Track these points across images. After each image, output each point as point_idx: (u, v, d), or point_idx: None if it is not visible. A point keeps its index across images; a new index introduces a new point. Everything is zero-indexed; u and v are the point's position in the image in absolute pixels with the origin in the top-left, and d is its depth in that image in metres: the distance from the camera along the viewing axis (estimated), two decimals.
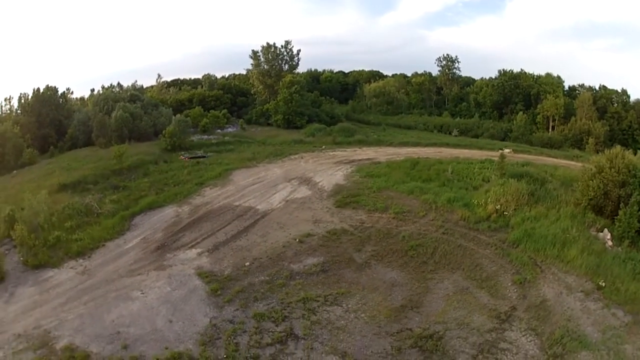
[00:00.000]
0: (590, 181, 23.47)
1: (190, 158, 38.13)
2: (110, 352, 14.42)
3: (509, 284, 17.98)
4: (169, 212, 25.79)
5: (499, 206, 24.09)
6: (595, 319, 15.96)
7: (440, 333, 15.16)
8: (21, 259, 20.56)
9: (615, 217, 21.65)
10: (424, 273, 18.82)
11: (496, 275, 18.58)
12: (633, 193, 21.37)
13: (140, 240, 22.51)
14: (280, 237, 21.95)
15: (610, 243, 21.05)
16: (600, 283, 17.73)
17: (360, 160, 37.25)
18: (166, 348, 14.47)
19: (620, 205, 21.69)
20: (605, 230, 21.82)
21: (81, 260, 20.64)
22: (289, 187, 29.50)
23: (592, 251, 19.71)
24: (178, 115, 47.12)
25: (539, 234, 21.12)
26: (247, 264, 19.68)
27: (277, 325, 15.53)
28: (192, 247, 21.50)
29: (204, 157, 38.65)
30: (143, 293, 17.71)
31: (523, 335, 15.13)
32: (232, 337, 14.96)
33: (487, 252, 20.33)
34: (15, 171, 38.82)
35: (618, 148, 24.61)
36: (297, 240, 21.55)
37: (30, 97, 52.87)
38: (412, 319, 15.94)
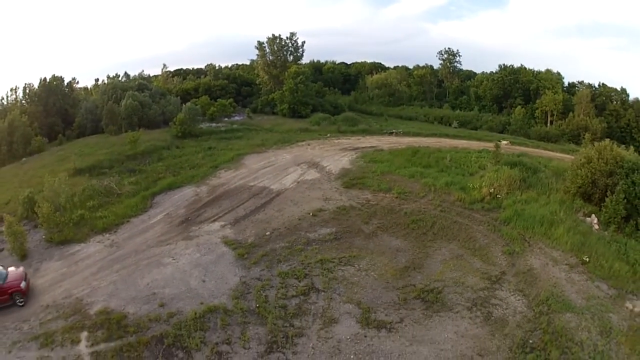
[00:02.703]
0: (579, 170, 24.64)
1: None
2: (147, 311, 15.45)
3: (499, 254, 19.75)
4: (188, 192, 27.09)
5: (492, 190, 25.60)
6: (579, 288, 17.17)
7: (439, 288, 17.11)
8: (43, 237, 21.15)
9: (603, 204, 22.70)
10: (424, 242, 20.71)
11: (488, 246, 20.36)
12: (619, 182, 22.45)
13: (164, 216, 23.82)
14: (295, 212, 23.72)
15: (597, 227, 22.13)
16: (584, 258, 18.88)
17: (364, 147, 38.57)
18: (201, 303, 15.86)
19: (607, 193, 22.69)
20: (593, 215, 22.98)
21: (108, 235, 21.70)
22: (298, 170, 31.05)
23: (577, 231, 20.87)
24: (188, 104, 47.68)
25: (528, 214, 22.55)
26: (268, 233, 21.50)
27: (299, 281, 17.46)
28: (215, 220, 23.07)
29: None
30: (174, 259, 19.06)
31: (512, 295, 16.87)
32: (262, 292, 16.79)
33: (480, 228, 22.07)
34: (24, 158, 39.25)
35: (607, 141, 25.56)
36: (311, 214, 23.41)
37: (36, 86, 53.00)
38: (414, 277, 17.91)
